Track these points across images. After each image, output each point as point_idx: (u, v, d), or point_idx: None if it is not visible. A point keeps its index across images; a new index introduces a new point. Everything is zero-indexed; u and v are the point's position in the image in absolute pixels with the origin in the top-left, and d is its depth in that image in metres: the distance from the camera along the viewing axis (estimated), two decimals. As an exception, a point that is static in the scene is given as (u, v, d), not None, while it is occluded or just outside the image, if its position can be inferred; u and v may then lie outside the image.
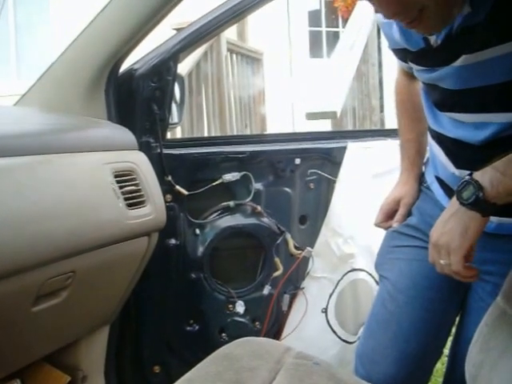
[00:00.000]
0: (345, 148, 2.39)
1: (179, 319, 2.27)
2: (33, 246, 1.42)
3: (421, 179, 1.76)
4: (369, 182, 2.39)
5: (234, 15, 2.11)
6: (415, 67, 1.48)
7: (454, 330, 1.72)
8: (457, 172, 1.47)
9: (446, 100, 1.42)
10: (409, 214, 1.76)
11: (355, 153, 2.39)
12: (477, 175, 1.20)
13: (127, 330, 2.19)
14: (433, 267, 1.33)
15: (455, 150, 1.47)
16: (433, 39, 1.33)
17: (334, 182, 2.40)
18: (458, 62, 1.29)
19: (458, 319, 1.69)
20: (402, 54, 1.52)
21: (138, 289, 2.05)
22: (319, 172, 2.39)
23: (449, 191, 1.54)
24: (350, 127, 5.32)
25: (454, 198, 1.24)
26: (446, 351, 1.77)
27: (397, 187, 1.84)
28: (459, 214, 1.23)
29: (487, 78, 1.28)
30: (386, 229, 1.82)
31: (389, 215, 1.82)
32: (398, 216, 1.79)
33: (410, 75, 1.77)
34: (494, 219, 1.38)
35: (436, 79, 1.40)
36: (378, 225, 1.85)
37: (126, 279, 1.94)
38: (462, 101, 1.37)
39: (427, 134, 1.70)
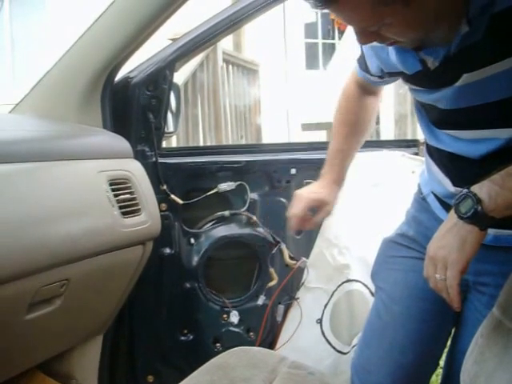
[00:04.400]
0: (340, 158, 2.38)
1: (173, 329, 2.27)
2: (27, 252, 1.41)
3: (420, 191, 1.75)
4: (364, 193, 2.38)
5: (229, 25, 2.12)
6: (413, 87, 1.47)
7: (449, 341, 1.72)
8: (453, 189, 1.46)
9: (444, 119, 1.41)
10: (405, 225, 1.75)
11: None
12: (475, 188, 1.19)
13: (121, 338, 2.19)
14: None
15: (453, 166, 1.46)
16: (430, 61, 1.32)
17: (330, 192, 2.39)
18: (459, 82, 1.28)
19: (453, 331, 1.69)
20: (398, 76, 1.52)
21: (132, 298, 2.04)
22: (315, 182, 2.39)
23: (445, 205, 1.54)
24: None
25: (452, 212, 1.22)
26: (441, 363, 1.77)
27: (320, 187, 1.88)
28: (457, 228, 1.21)
29: (487, 95, 1.27)
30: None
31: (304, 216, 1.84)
32: (315, 220, 1.86)
33: (365, 88, 1.79)
34: (491, 231, 1.37)
35: (436, 100, 1.38)
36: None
37: (120, 288, 1.93)
38: (462, 119, 1.36)
39: (359, 146, 1.85)
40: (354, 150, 1.89)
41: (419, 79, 1.39)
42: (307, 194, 1.86)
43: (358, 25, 1.23)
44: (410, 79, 1.44)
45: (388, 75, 1.56)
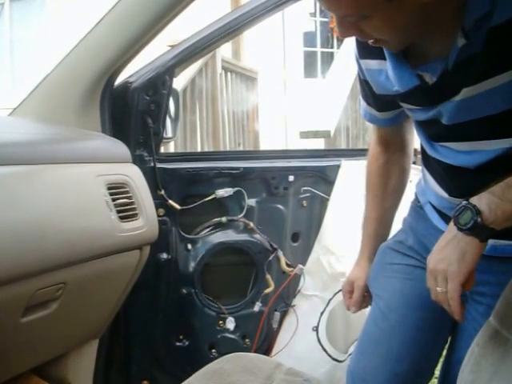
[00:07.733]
0: (338, 166, 2.39)
1: (169, 334, 2.26)
2: (24, 256, 1.41)
3: (417, 200, 1.74)
4: (362, 201, 2.38)
5: (229, 31, 2.12)
6: (409, 107, 1.45)
7: (445, 350, 1.71)
8: (449, 199, 1.46)
9: (442, 133, 1.39)
10: (403, 233, 1.75)
11: (348, 171, 2.39)
12: (473, 200, 1.18)
13: (116, 343, 2.18)
14: (426, 287, 1.32)
15: (448, 175, 1.46)
16: (428, 76, 1.30)
17: (327, 199, 2.40)
18: (459, 96, 1.27)
19: (449, 339, 1.68)
20: (391, 98, 1.50)
21: (128, 302, 2.04)
22: (312, 190, 2.40)
23: (442, 215, 1.53)
24: (343, 146, 5.33)
25: (451, 224, 1.21)
26: (436, 372, 1.76)
27: (353, 267, 1.88)
28: (456, 240, 1.20)
29: (487, 108, 1.26)
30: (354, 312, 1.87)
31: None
32: (353, 300, 1.84)
33: (387, 144, 1.76)
34: (489, 241, 1.36)
35: (434, 116, 1.37)
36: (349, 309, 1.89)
37: (116, 292, 1.92)
38: (460, 133, 1.35)
39: (393, 211, 1.81)
40: (385, 218, 1.84)
41: (417, 96, 1.37)
42: (344, 283, 1.90)
43: (336, 11, 1.19)
44: (406, 98, 1.41)
45: (381, 97, 1.53)
